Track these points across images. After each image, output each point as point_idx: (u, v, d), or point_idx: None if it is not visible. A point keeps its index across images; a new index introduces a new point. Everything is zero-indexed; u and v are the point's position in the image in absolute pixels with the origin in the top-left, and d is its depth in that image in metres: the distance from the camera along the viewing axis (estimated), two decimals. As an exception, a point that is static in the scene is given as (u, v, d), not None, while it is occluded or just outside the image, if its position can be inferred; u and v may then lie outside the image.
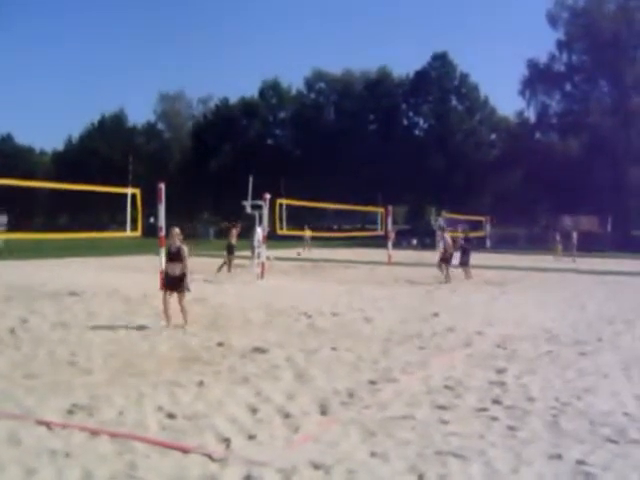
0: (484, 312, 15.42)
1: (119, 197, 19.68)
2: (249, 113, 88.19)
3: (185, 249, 12.42)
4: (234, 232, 25.71)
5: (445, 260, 23.67)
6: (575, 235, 39.95)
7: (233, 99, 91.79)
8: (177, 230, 12.74)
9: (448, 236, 25.19)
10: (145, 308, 14.89)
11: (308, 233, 44.60)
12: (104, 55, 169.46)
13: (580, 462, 5.60)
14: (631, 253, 49.11)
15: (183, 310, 12.40)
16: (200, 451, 5.70)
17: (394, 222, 44.70)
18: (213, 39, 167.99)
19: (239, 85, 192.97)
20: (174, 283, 12.40)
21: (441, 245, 25.21)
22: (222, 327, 12.44)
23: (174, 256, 12.42)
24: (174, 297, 12.37)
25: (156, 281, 18.50)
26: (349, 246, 51.46)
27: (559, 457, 5.72)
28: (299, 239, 44.60)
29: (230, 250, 25.14)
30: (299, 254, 40.25)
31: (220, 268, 24.52)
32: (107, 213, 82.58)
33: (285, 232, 26.80)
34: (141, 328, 12.10)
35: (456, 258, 24.86)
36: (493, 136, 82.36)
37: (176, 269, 12.32)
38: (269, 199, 22.77)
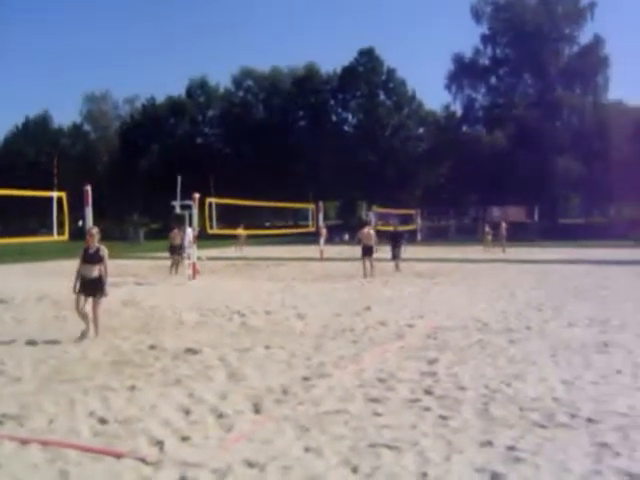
0: (416, 304, 15.60)
1: (46, 201, 19.27)
2: (177, 112, 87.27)
3: (105, 250, 11.42)
4: (176, 232, 25.59)
5: (365, 253, 23.76)
6: (504, 225, 40.68)
7: (160, 98, 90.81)
8: (96, 229, 11.81)
9: (368, 230, 25.22)
10: (76, 313, 14.59)
11: (242, 232, 44.41)
12: (28, 56, 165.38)
13: (510, 448, 5.71)
14: (558, 241, 50.34)
15: (96, 318, 11.37)
16: (133, 455, 5.63)
17: (326, 218, 44.82)
18: (139, 38, 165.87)
19: (166, 84, 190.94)
20: (91, 287, 11.21)
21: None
22: (154, 329, 12.29)
23: (92, 258, 11.27)
24: (89, 302, 11.30)
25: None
26: (282, 243, 51.43)
27: (490, 444, 5.82)
28: (231, 238, 44.41)
29: (173, 250, 25.09)
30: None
31: (171, 269, 24.76)
32: (35, 217, 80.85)
33: (216, 231, 26.61)
34: (71, 333, 11.87)
35: (386, 252, 25.19)
36: (421, 130, 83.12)
37: (94, 271, 11.21)
38: (199, 198, 22.60)
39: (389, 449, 5.69)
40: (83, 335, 11.18)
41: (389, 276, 23.23)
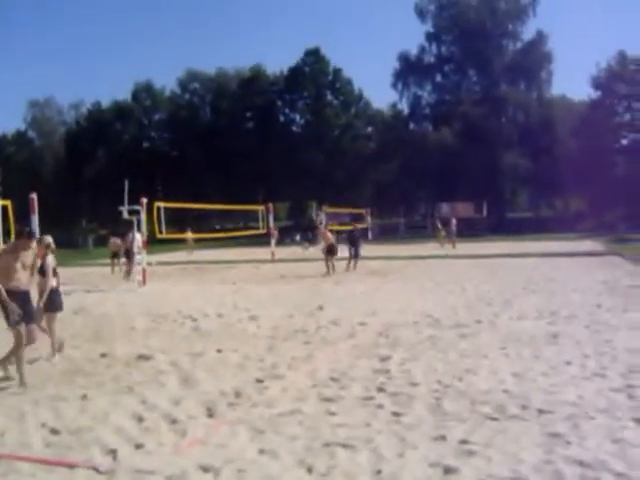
0: (368, 303, 15.68)
1: (-9, 210, 18.90)
2: (123, 116, 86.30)
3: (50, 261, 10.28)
4: (116, 241, 25.61)
5: (329, 253, 24.20)
6: (454, 221, 41.13)
7: (105, 103, 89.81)
8: (49, 240, 10.56)
9: (327, 231, 25.78)
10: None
11: (190, 235, 44.17)
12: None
13: (463, 441, 5.78)
14: (506, 235, 51.11)
15: (53, 334, 10.24)
16: (86, 465, 5.58)
17: (276, 219, 44.78)
18: (82, 42, 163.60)
19: (111, 89, 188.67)
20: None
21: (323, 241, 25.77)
22: (105, 337, 12.13)
23: (40, 270, 9.85)
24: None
25: (34, 294, 17.97)
26: (233, 246, 51.22)
27: (443, 438, 5.88)
28: (180, 242, 44.14)
29: (128, 255, 25.09)
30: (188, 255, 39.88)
31: (127, 274, 24.78)
32: (-20, 228, 79.47)
33: (165, 236, 26.41)
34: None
35: (345, 250, 25.43)
36: (369, 129, 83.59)
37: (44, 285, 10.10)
38: (146, 203, 22.38)
39: (344, 448, 5.72)
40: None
41: (341, 275, 23.32)
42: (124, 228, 26.47)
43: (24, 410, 7.26)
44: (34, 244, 9.18)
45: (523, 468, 5.14)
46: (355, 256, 25.72)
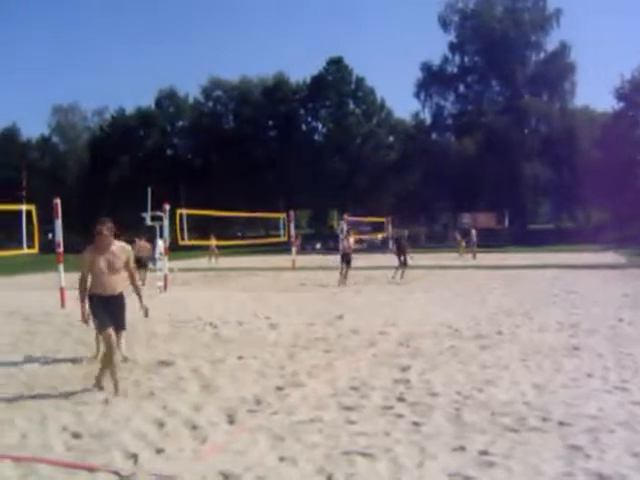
0: (388, 312, 15.65)
1: (15, 214, 19.12)
2: (146, 123, 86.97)
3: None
4: (142, 244, 25.55)
5: (343, 261, 24.02)
6: (474, 232, 41.01)
7: (129, 109, 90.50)
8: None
9: (348, 239, 25.67)
10: (46, 327, 14.51)
11: (214, 242, 44.28)
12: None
13: (482, 452, 5.76)
14: (528, 247, 50.88)
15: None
16: (107, 469, 5.61)
17: (297, 227, 44.85)
18: (106, 48, 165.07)
19: (135, 95, 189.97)
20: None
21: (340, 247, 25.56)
22: (127, 343, 12.19)
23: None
24: None
25: (56, 298, 18.16)
26: (254, 253, 51.38)
27: (462, 449, 5.87)
28: (202, 249, 44.26)
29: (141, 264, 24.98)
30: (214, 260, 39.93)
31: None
32: (4, 231, 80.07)
33: (187, 242, 26.52)
34: (42, 347, 11.80)
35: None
36: (391, 138, 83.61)
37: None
38: (169, 209, 22.50)
39: (363, 456, 5.72)
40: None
41: (361, 285, 23.33)
42: (143, 234, 26.41)
43: (46, 414, 7.30)
44: (121, 243, 8.69)
45: (543, 480, 5.14)
46: (403, 264, 25.02)
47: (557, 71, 69.31)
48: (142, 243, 25.31)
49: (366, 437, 6.23)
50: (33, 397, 8.12)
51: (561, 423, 6.50)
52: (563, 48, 70.11)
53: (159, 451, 6.05)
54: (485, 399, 7.49)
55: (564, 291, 19.48)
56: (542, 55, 72.28)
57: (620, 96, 66.66)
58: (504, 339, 11.50)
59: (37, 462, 5.80)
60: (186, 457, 5.89)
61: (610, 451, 5.71)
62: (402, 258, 25.06)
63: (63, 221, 18.63)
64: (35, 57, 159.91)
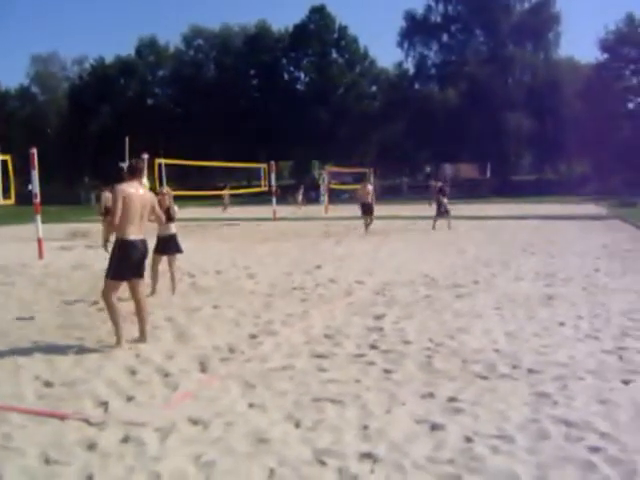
0: (366, 262, 15.72)
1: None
2: (126, 72, 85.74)
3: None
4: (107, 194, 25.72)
5: (363, 212, 24.22)
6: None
7: (109, 59, 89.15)
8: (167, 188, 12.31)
9: (366, 186, 25.34)
10: (23, 278, 14.43)
11: (227, 192, 44.29)
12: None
13: (451, 399, 5.81)
14: (509, 197, 50.98)
15: (174, 275, 11.91)
16: (77, 416, 5.61)
17: (279, 177, 44.69)
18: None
19: (115, 44, 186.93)
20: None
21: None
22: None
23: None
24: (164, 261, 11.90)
25: (34, 250, 18.07)
26: (236, 204, 51.20)
27: (431, 395, 5.91)
28: (183, 199, 44.03)
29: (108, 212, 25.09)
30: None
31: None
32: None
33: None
34: (19, 298, 11.76)
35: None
36: (374, 88, 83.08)
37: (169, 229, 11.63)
38: (148, 159, 22.25)
39: (332, 403, 5.75)
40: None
41: (342, 235, 23.35)
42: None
43: (19, 363, 7.28)
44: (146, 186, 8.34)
45: (509, 426, 5.17)
46: (445, 212, 24.80)
47: (541, 21, 68.93)
48: (107, 194, 25.45)
49: (336, 384, 6.27)
50: (7, 347, 8.08)
51: (530, 370, 6.57)
52: (548, -2, 69.66)
53: (130, 399, 6.07)
54: (457, 347, 7.54)
55: (543, 241, 19.58)
56: (526, 5, 71.86)
57: (604, 48, 66.49)
58: (480, 288, 11.57)
59: (8, 411, 5.80)
60: (156, 404, 5.91)
61: (577, 398, 5.78)
62: (442, 208, 24.86)
63: (42, 172, 18.46)
64: (13, 6, 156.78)
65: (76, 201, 63.81)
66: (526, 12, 70.77)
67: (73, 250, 20.23)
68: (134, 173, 8.05)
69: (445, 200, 24.84)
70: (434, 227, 24.68)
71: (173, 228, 11.77)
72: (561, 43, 71.31)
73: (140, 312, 8.19)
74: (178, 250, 12.00)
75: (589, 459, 4.53)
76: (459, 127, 63.10)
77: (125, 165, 22.02)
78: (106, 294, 7.97)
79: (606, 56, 66.58)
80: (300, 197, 46.90)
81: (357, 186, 31.99)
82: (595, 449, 4.70)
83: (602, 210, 35.28)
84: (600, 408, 5.54)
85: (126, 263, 7.85)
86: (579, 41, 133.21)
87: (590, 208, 37.14)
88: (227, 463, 4.62)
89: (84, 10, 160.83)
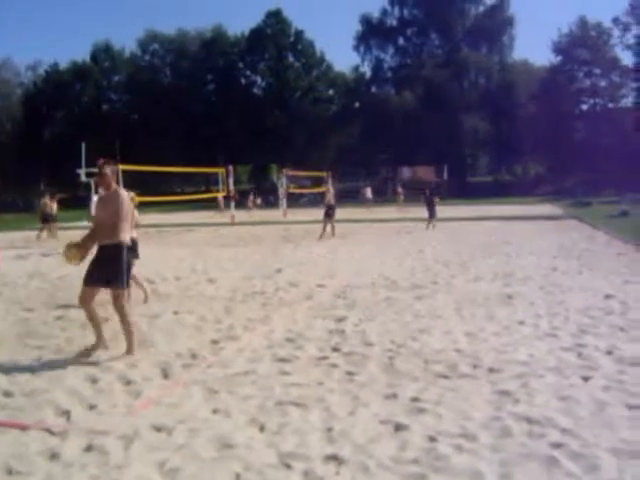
0: (326, 265, 15.78)
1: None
2: (81, 78, 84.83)
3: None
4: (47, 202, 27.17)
5: (326, 215, 24.04)
6: (369, 190, 42.76)
7: (64, 64, 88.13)
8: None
9: (328, 190, 25.41)
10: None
11: (220, 195, 43.97)
12: None
13: (414, 399, 5.85)
14: (467, 199, 51.45)
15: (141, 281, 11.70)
16: (39, 426, 5.54)
17: (238, 182, 44.53)
18: (39, 1, 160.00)
19: (69, 49, 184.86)
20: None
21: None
22: (61, 300, 12.02)
23: None
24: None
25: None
26: (194, 209, 50.95)
27: (394, 396, 5.94)
28: (144, 206, 43.63)
29: (45, 219, 26.90)
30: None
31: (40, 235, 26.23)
32: None
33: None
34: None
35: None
36: (331, 92, 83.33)
37: None
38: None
39: (296, 406, 5.76)
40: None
41: (301, 239, 23.36)
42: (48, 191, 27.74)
43: (-24, 373, 7.17)
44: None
45: (472, 425, 5.22)
46: (432, 217, 26.48)
47: (496, 24, 69.84)
48: (45, 200, 26.65)
49: (300, 387, 6.27)
50: (-37, 356, 7.95)
51: (491, 369, 6.64)
52: (502, 1, 70.63)
53: (92, 407, 5.99)
54: (418, 348, 7.59)
55: (501, 242, 19.82)
56: (481, 8, 72.84)
57: (558, 50, 67.43)
58: (439, 289, 11.67)
59: (-34, 422, 5.70)
60: (119, 412, 5.85)
61: (538, 395, 5.85)
62: (432, 211, 26.49)
63: (-4, 178, 18.22)
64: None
65: (32, 209, 62.94)
66: (480, 15, 71.64)
67: (29, 259, 19.97)
68: (117, 176, 8.10)
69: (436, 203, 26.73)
70: (427, 228, 26.05)
71: (135, 233, 11.59)
72: (515, 46, 72.77)
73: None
74: (136, 256, 11.84)
75: (552, 455, 4.59)
76: (416, 130, 63.54)
77: (82, 172, 21.99)
78: (123, 303, 7.79)
79: (560, 59, 67.56)
80: (250, 202, 46.87)
81: (317, 189, 32.05)
82: (557, 445, 4.76)
83: (558, 210, 35.78)
84: (561, 405, 5.61)
85: (128, 268, 7.84)
86: (533, 44, 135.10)
87: (546, 208, 37.68)
88: (192, 469, 4.60)
89: (38, 15, 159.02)
